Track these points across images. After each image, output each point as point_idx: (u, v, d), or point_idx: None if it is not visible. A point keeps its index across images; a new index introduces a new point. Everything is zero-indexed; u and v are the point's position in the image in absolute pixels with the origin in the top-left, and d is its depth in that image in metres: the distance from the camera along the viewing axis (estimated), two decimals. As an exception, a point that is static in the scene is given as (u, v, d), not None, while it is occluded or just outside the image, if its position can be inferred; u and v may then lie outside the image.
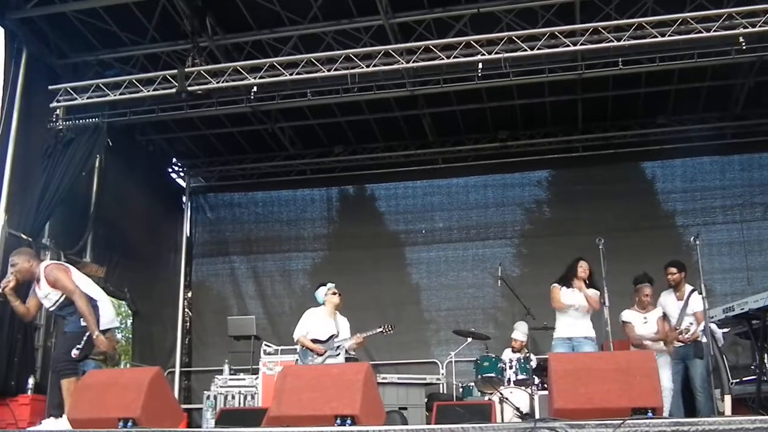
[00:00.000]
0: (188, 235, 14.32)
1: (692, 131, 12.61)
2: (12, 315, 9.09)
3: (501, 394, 8.70)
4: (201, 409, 11.12)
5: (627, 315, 8.65)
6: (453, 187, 13.74)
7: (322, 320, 8.88)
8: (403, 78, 10.99)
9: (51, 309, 7.26)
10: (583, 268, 8.56)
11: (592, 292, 8.37)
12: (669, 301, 8.71)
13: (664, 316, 8.61)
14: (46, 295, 7.06)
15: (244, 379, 10.98)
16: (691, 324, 8.25)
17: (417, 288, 13.58)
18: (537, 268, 12.19)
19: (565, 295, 8.51)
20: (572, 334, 8.35)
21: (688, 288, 8.57)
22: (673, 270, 8.68)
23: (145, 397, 5.85)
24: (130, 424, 5.71)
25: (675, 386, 8.29)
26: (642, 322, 8.53)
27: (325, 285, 9.11)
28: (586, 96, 11.92)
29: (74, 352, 6.92)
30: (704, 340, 8.09)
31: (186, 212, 14.43)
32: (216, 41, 10.48)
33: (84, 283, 7.14)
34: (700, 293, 7.84)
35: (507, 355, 9.75)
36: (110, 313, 7.25)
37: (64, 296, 7.01)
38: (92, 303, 6.99)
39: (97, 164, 11.40)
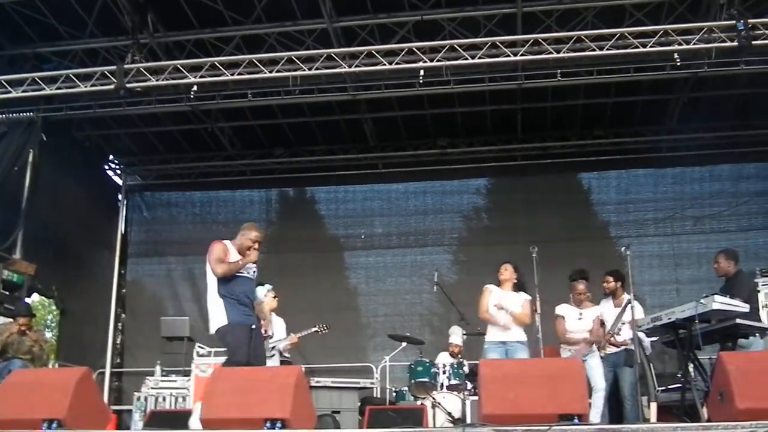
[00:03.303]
0: (123, 233, 14.08)
1: (628, 143, 12.86)
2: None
3: (433, 398, 8.72)
4: (131, 410, 10.94)
5: (561, 309, 8.62)
6: (393, 192, 13.80)
7: (257, 322, 8.80)
8: (345, 82, 11.00)
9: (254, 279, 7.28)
10: (500, 270, 8.52)
11: (524, 300, 8.37)
12: (606, 309, 8.84)
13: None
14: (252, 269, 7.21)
15: (175, 381, 10.84)
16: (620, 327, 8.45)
17: (355, 293, 13.59)
18: (474, 275, 12.23)
19: (494, 300, 8.44)
20: (506, 338, 8.24)
21: (626, 297, 8.71)
22: (609, 279, 8.87)
23: (71, 398, 5.74)
24: (55, 425, 5.60)
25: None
26: (576, 318, 8.50)
27: (262, 285, 9.01)
28: (525, 106, 12.09)
29: None
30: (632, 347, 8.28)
31: (121, 210, 14.19)
32: (157, 38, 10.36)
33: None
34: (629, 302, 7.97)
35: (441, 359, 9.78)
36: None
37: None
38: None
39: (30, 159, 11.12)
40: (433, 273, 11.32)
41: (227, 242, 7.19)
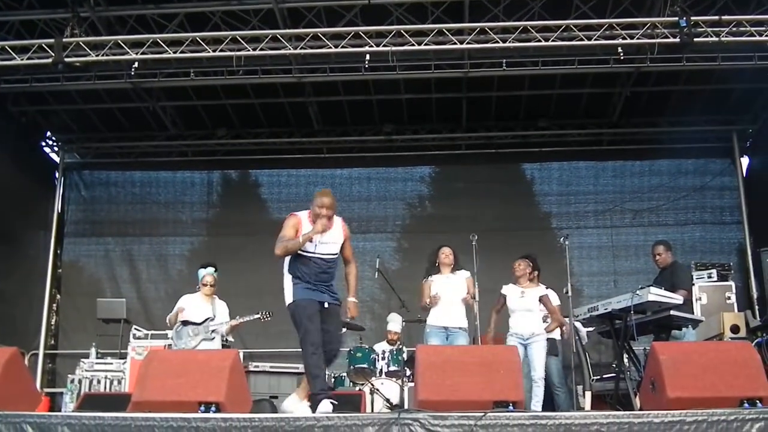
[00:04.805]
0: (59, 212, 13.73)
1: (571, 136, 13.01)
2: None
3: (372, 385, 8.74)
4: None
5: (505, 288, 8.58)
6: (337, 177, 13.71)
7: (198, 304, 8.77)
8: (290, 64, 10.90)
9: (327, 259, 6.79)
10: (445, 254, 8.56)
11: (466, 279, 8.40)
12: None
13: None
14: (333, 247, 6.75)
15: (111, 363, 10.66)
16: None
17: (296, 278, 13.47)
18: (416, 263, 12.19)
19: (436, 285, 8.48)
20: (447, 323, 8.29)
21: (540, 287, 8.79)
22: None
23: (-1, 379, 5.62)
24: (-20, 406, 5.46)
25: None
26: (519, 296, 8.49)
27: (205, 267, 8.97)
28: (471, 95, 12.12)
29: None
30: (559, 337, 8.39)
31: (58, 189, 13.81)
32: (98, 12, 10.06)
33: None
34: (567, 292, 8.04)
35: (381, 346, 9.80)
36: None
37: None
38: None
39: (-39, 133, 10.81)
40: (375, 260, 11.32)
41: (303, 214, 6.78)
